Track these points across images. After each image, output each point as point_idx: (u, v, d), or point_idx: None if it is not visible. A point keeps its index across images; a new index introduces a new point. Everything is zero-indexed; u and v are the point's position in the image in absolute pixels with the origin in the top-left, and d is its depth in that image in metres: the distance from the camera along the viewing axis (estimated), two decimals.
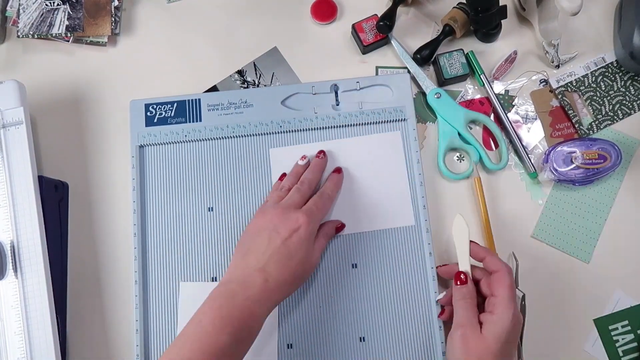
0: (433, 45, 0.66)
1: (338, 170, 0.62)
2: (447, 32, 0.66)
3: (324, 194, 0.59)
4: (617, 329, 0.60)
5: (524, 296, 0.59)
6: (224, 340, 0.48)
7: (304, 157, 0.62)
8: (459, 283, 0.54)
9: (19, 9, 0.68)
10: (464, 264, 0.55)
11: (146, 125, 0.64)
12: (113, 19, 0.68)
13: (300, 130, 0.64)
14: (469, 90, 0.67)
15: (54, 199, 0.62)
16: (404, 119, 0.64)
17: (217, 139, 0.64)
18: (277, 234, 0.53)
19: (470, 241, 0.56)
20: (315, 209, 0.56)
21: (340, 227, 0.61)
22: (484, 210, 0.62)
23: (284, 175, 0.62)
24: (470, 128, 0.65)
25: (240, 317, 0.49)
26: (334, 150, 0.64)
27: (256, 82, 0.68)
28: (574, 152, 0.61)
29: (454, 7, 0.67)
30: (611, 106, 0.65)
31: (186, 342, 0.48)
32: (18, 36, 0.68)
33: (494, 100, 0.65)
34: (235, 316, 0.49)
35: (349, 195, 0.62)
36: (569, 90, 0.66)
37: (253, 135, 0.64)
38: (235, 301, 0.50)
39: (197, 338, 0.48)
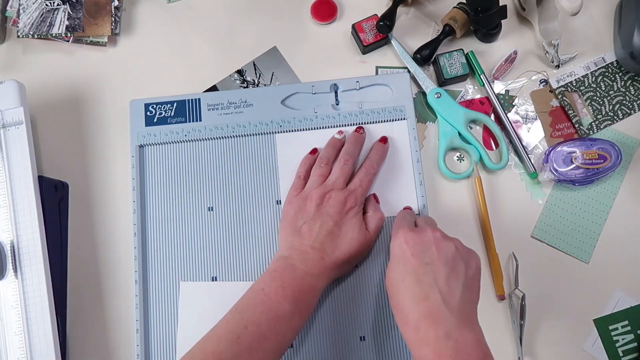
0: (433, 45, 0.66)
1: (384, 139, 0.62)
2: (447, 32, 0.66)
3: (370, 171, 0.59)
4: (617, 329, 0.60)
5: (523, 296, 0.59)
6: (286, 308, 0.49)
7: (340, 132, 0.62)
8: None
9: (19, 9, 0.68)
10: None
11: (146, 125, 0.64)
12: (113, 19, 0.68)
13: (300, 129, 0.64)
14: (469, 90, 0.67)
15: (54, 199, 0.62)
16: (404, 119, 0.64)
17: (217, 138, 0.64)
18: (328, 216, 0.55)
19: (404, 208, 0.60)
20: (361, 190, 0.57)
21: (376, 197, 0.61)
22: (484, 210, 0.62)
23: (314, 150, 0.62)
24: (471, 128, 0.65)
25: (300, 289, 0.51)
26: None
27: (256, 82, 0.68)
28: (574, 152, 0.61)
29: (454, 7, 0.67)
30: (611, 106, 0.65)
31: (249, 307, 0.50)
32: (18, 36, 0.68)
33: (494, 100, 0.65)
34: (295, 287, 0.51)
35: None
36: (569, 90, 0.66)
37: (253, 134, 0.64)
38: (295, 274, 0.52)
39: (260, 304, 0.49)
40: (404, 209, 0.60)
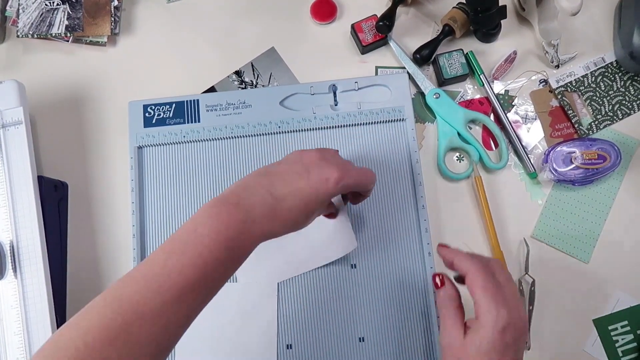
0: (433, 45, 0.66)
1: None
2: (447, 32, 0.66)
3: (368, 172, 0.53)
4: (616, 329, 0.60)
5: (533, 282, 0.59)
6: (221, 255, 0.43)
7: None
8: (435, 287, 0.50)
9: (18, 9, 0.68)
10: None
11: (144, 126, 0.64)
12: (113, 19, 0.68)
13: (299, 130, 0.64)
14: (469, 90, 0.67)
15: (54, 198, 0.62)
16: (403, 119, 0.64)
17: (216, 139, 0.64)
18: (307, 173, 0.48)
19: (439, 244, 0.52)
20: (354, 173, 0.51)
21: (333, 214, 0.58)
22: (486, 210, 0.61)
23: None
24: (470, 128, 0.65)
25: (238, 237, 0.44)
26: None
27: (254, 83, 0.68)
28: (574, 152, 0.61)
29: (453, 7, 0.67)
30: (611, 106, 0.65)
31: (183, 250, 0.42)
32: (18, 36, 0.68)
33: (493, 100, 0.65)
34: (233, 233, 0.44)
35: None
36: (569, 90, 0.66)
37: (252, 135, 0.64)
38: (237, 217, 0.44)
39: (193, 247, 0.42)
40: (440, 246, 0.52)
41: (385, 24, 0.65)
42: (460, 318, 0.48)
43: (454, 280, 0.50)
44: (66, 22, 0.68)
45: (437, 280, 0.50)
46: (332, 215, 0.59)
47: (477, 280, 0.46)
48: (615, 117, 0.65)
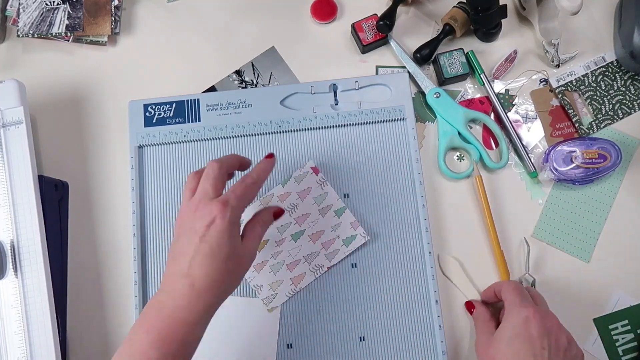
0: (433, 44, 0.66)
1: (269, 155, 0.54)
2: (447, 32, 0.66)
3: (247, 178, 0.51)
4: (617, 328, 0.60)
5: (534, 281, 0.60)
6: (153, 356, 0.44)
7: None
8: (469, 312, 0.60)
9: (18, 8, 0.68)
10: (469, 293, 0.60)
11: (145, 126, 0.64)
12: (113, 19, 0.68)
13: (299, 130, 0.64)
14: (469, 89, 0.67)
15: (54, 198, 0.62)
16: (403, 119, 0.64)
17: (216, 139, 0.64)
18: (194, 232, 0.47)
19: (466, 302, 0.60)
20: (233, 196, 0.48)
21: (278, 212, 0.55)
22: (486, 209, 0.61)
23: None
24: (470, 127, 0.65)
25: (169, 330, 0.45)
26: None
27: (254, 82, 0.68)
28: (574, 151, 0.61)
29: (454, 7, 0.67)
30: (611, 105, 0.65)
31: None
32: (18, 35, 0.68)
33: (494, 99, 0.65)
34: (163, 329, 0.45)
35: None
36: (569, 89, 0.66)
37: (252, 135, 0.64)
38: (163, 313, 0.45)
39: (130, 356, 0.44)
40: (468, 302, 0.61)
41: (385, 23, 0.65)
42: (492, 326, 0.55)
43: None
44: (66, 22, 0.68)
45: (469, 305, 0.59)
46: (277, 214, 0.55)
47: (509, 286, 0.54)
48: (615, 117, 0.65)
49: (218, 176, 0.50)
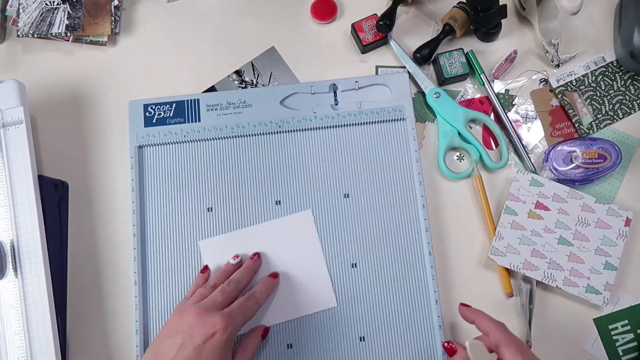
0: (433, 44, 0.66)
1: (274, 275, 0.59)
2: (447, 32, 0.66)
3: (252, 297, 0.55)
4: (616, 328, 0.60)
5: (533, 285, 0.59)
6: None
7: (236, 256, 0.59)
8: (449, 354, 0.51)
9: (18, 8, 0.68)
10: None
11: (145, 126, 0.64)
12: (113, 19, 0.68)
13: (299, 130, 0.64)
14: (469, 89, 0.67)
15: (54, 198, 0.62)
16: (403, 119, 0.64)
17: (216, 139, 0.64)
18: (190, 338, 0.48)
19: (461, 304, 0.54)
20: (238, 313, 0.52)
21: (265, 332, 0.57)
22: (486, 209, 0.61)
23: (206, 267, 0.60)
24: (470, 127, 0.65)
25: None
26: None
27: (254, 82, 0.68)
28: (574, 151, 0.61)
29: (454, 7, 0.67)
30: (611, 105, 0.65)
31: None
32: (18, 35, 0.68)
33: (494, 99, 0.65)
34: None
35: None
36: (569, 89, 0.66)
37: (252, 135, 0.64)
38: None
39: None
40: (462, 305, 0.54)
41: (385, 23, 0.65)
42: None
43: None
44: (66, 22, 0.68)
45: (447, 346, 0.51)
46: (264, 334, 0.57)
47: (501, 337, 0.48)
48: (615, 117, 0.65)
49: (233, 293, 0.54)
